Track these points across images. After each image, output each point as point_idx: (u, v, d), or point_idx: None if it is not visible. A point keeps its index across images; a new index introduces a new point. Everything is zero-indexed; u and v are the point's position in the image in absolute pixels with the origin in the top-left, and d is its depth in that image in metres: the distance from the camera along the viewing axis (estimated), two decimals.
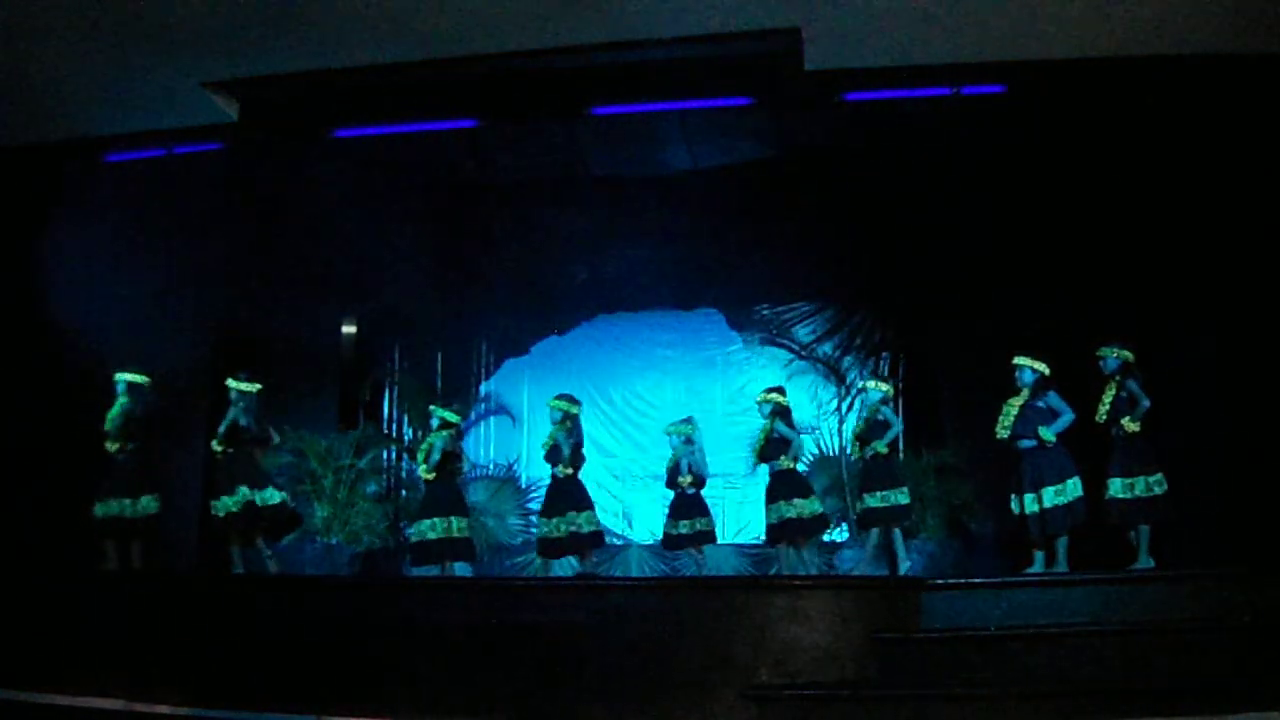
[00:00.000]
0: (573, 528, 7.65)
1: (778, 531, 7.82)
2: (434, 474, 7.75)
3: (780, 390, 8.17)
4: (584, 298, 11.22)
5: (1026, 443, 6.99)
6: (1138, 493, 6.77)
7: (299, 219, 9.72)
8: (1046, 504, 6.78)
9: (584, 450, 8.05)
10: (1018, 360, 7.17)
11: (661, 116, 8.88)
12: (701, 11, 6.94)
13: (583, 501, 7.81)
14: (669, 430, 8.46)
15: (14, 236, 9.06)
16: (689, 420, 8.41)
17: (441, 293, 10.87)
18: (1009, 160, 8.69)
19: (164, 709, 5.74)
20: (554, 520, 7.72)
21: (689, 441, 8.23)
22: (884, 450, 7.88)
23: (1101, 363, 7.20)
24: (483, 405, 11.42)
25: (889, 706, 5.24)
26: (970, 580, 6.36)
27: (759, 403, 8.12)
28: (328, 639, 5.96)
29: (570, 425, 7.91)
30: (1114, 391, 7.05)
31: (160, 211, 9.38)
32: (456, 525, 7.68)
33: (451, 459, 7.85)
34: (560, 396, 8.10)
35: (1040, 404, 7.05)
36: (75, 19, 6.96)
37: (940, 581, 6.38)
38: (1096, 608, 5.87)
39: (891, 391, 8.77)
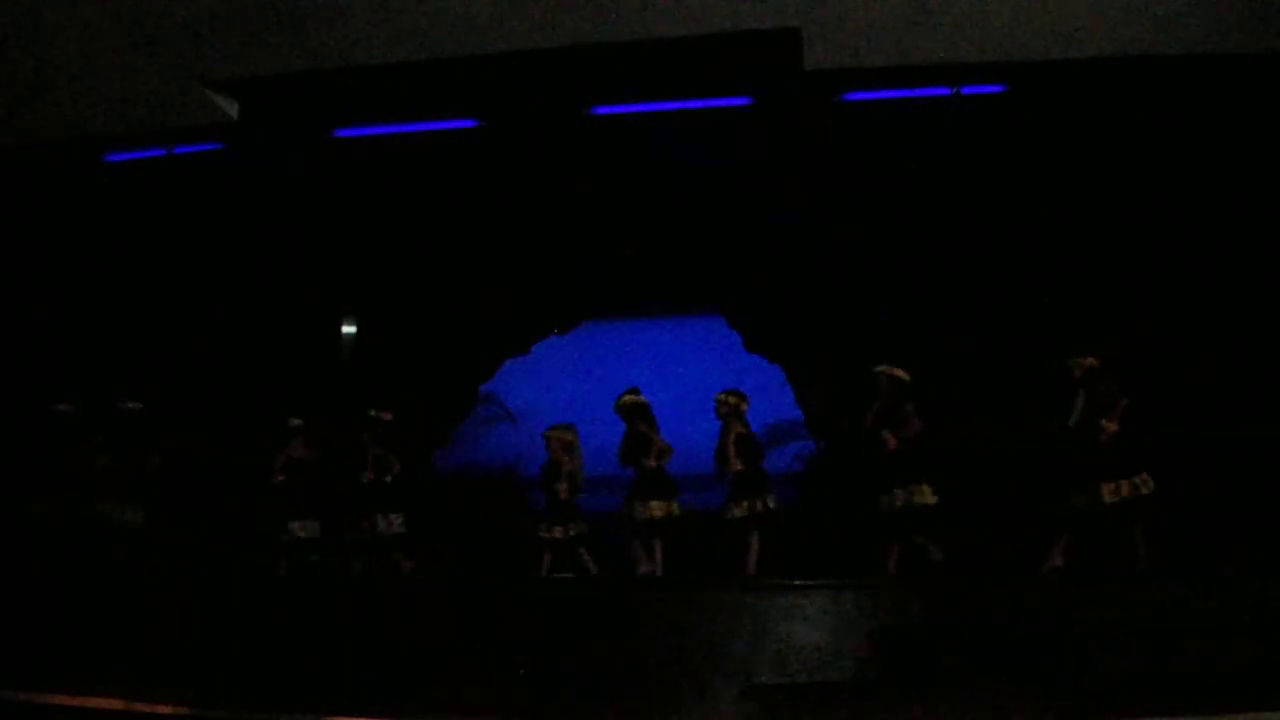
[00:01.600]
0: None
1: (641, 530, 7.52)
2: None
3: (635, 391, 7.98)
4: (584, 298, 11.22)
5: None
6: (1123, 495, 6.74)
7: (299, 219, 9.72)
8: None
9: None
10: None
11: (662, 116, 8.87)
12: (701, 11, 6.95)
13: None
14: (546, 434, 8.11)
15: (14, 236, 9.06)
16: (570, 426, 8.09)
17: (441, 292, 10.87)
18: (1009, 160, 8.69)
19: (164, 709, 5.74)
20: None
21: (569, 448, 7.95)
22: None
23: (1070, 371, 7.19)
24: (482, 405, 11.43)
25: (889, 706, 5.24)
26: (970, 580, 6.36)
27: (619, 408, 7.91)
28: (328, 639, 5.96)
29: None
30: (1086, 396, 7.03)
31: (160, 211, 9.39)
32: None
33: None
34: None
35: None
36: (75, 19, 6.97)
37: (940, 581, 6.37)
38: (1099, 608, 5.87)
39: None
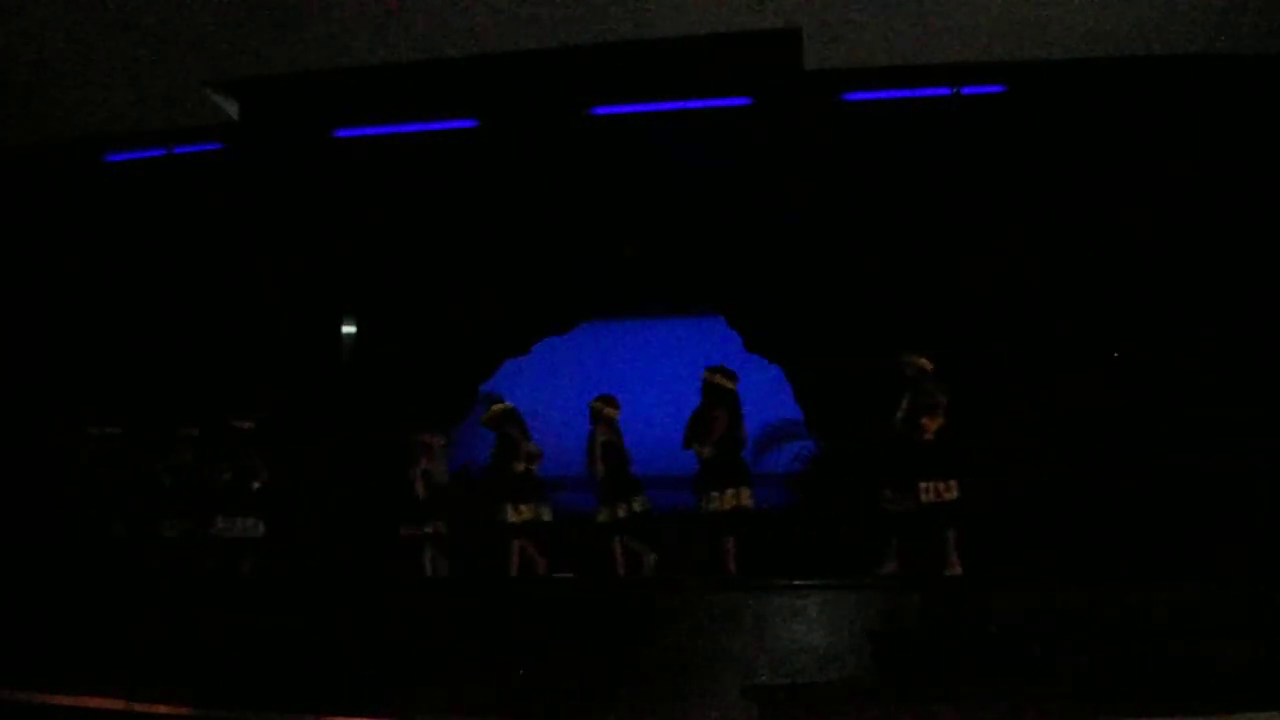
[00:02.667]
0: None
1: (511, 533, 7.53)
2: None
3: (501, 398, 8.00)
4: (584, 298, 11.22)
5: None
6: (940, 496, 6.61)
7: (299, 219, 9.73)
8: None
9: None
10: None
11: (662, 116, 8.88)
12: (701, 11, 6.95)
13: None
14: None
15: (13, 237, 9.07)
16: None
17: (441, 292, 10.87)
18: (1009, 160, 8.69)
19: (164, 709, 5.74)
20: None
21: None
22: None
23: (901, 370, 7.11)
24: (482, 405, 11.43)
25: (889, 706, 5.24)
26: (970, 580, 6.36)
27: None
28: (328, 639, 5.96)
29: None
30: (912, 396, 6.97)
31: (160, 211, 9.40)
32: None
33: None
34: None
35: None
36: (76, 20, 6.97)
37: (940, 581, 6.37)
38: (1099, 608, 5.87)
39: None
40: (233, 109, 8.24)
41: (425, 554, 7.78)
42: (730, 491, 7.01)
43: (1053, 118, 8.21)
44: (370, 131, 8.85)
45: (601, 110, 8.47)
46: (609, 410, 7.77)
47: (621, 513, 7.40)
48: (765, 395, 11.62)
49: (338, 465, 9.53)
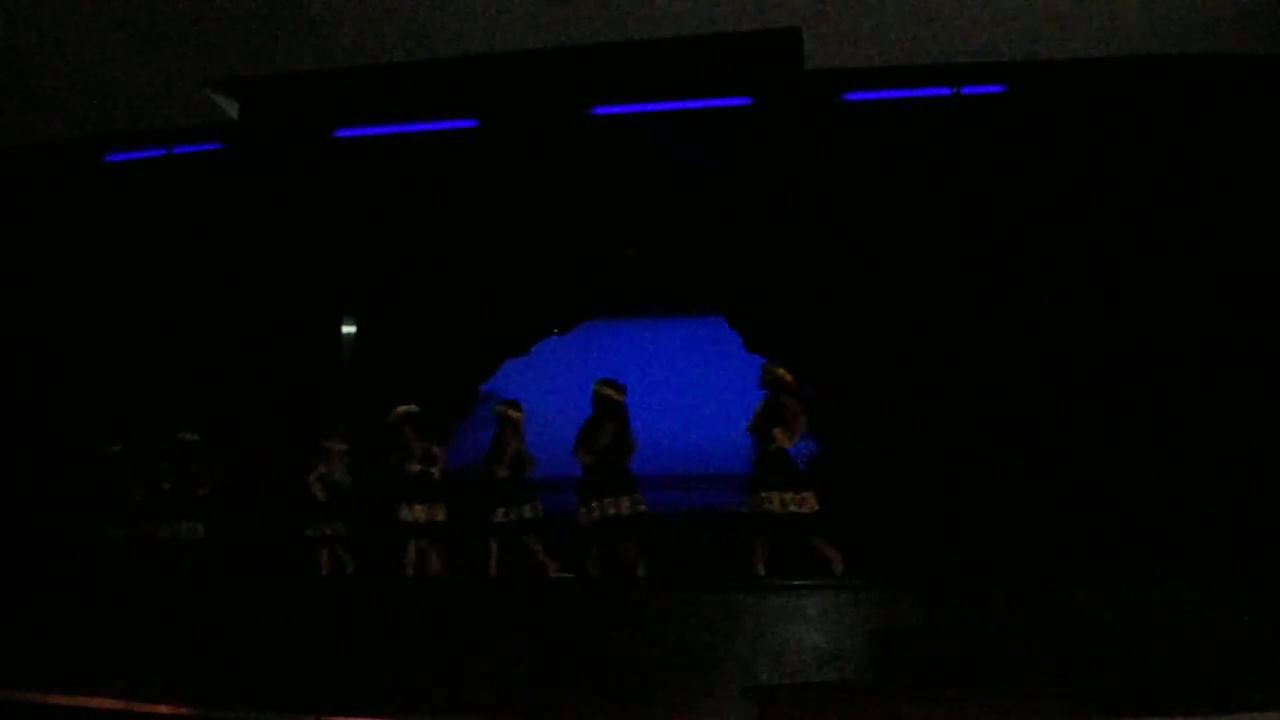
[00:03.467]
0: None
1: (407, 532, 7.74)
2: None
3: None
4: (584, 298, 11.22)
5: None
6: (789, 508, 6.72)
7: (299, 219, 9.73)
8: None
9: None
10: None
11: (661, 116, 8.87)
12: (701, 11, 6.95)
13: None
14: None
15: (13, 236, 9.07)
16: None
17: (441, 292, 10.87)
18: (1009, 160, 8.69)
19: (164, 709, 5.74)
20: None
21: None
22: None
23: (760, 379, 7.23)
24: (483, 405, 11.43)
25: (889, 706, 5.24)
26: (970, 580, 6.36)
27: None
28: (328, 639, 5.96)
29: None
30: (767, 405, 7.03)
31: (160, 211, 9.40)
32: None
33: None
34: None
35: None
36: (76, 19, 6.97)
37: (940, 581, 6.37)
38: (1099, 608, 5.87)
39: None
40: (233, 109, 8.24)
41: (322, 555, 8.08)
42: (609, 500, 7.14)
43: (1053, 118, 8.21)
44: (370, 131, 8.84)
45: (601, 110, 8.47)
46: (512, 413, 8.01)
47: (512, 516, 7.68)
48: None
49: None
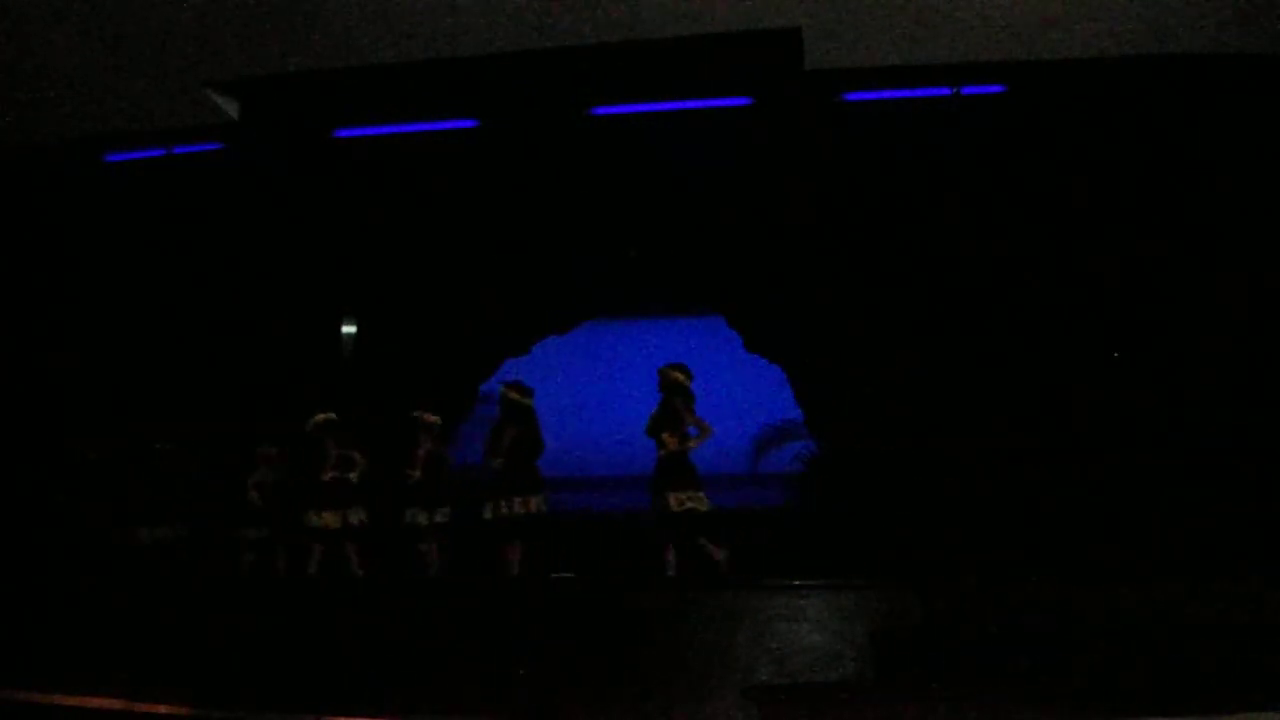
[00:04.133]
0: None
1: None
2: None
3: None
4: (584, 298, 11.22)
5: None
6: (684, 505, 6.99)
7: (299, 219, 9.73)
8: None
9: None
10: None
11: (661, 116, 8.88)
12: (701, 11, 6.95)
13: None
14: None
15: (13, 236, 9.07)
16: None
17: (441, 292, 10.87)
18: (1009, 160, 8.69)
19: (164, 709, 5.74)
20: None
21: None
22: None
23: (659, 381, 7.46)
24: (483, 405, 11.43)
25: (889, 706, 5.24)
26: (970, 580, 6.36)
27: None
28: (328, 639, 5.97)
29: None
30: (662, 408, 7.30)
31: (160, 211, 9.40)
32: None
33: None
34: None
35: None
36: (76, 19, 6.97)
37: (940, 581, 6.37)
38: (1099, 608, 5.87)
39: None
40: (233, 109, 8.23)
41: (251, 558, 8.31)
42: (519, 500, 7.45)
43: (1053, 118, 8.21)
44: (370, 131, 8.84)
45: (601, 110, 8.46)
46: (428, 418, 8.28)
47: (422, 520, 7.95)
48: (765, 395, 11.64)
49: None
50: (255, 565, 8.25)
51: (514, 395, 7.80)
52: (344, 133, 8.80)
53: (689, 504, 7.02)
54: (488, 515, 7.47)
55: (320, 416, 8.23)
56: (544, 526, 7.52)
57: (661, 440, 7.22)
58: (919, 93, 8.03)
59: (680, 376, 7.40)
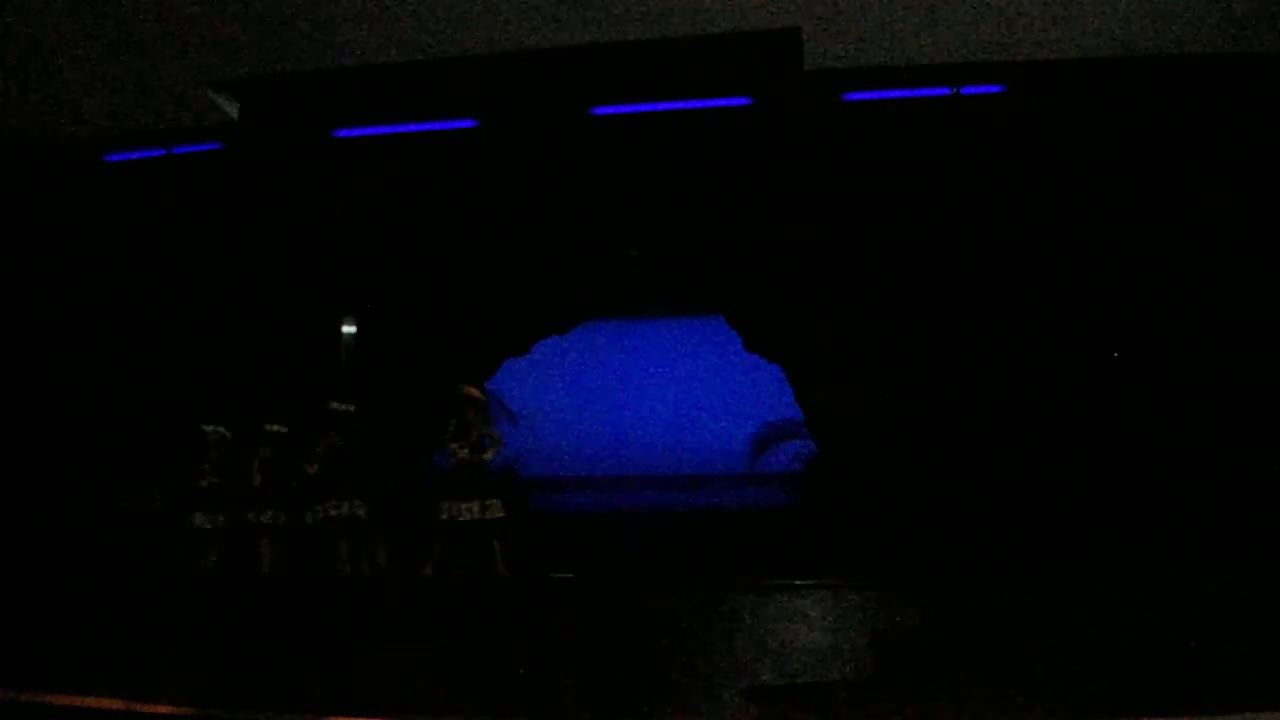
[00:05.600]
0: None
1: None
2: None
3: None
4: (584, 298, 11.22)
5: None
6: (474, 514, 7.30)
7: (299, 219, 9.72)
8: None
9: None
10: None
11: (661, 116, 8.87)
12: (701, 11, 6.95)
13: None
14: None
15: (14, 236, 9.07)
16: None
17: (441, 292, 10.87)
18: (1009, 160, 8.69)
19: (164, 709, 5.74)
20: None
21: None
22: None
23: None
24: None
25: (889, 706, 5.25)
26: (969, 581, 6.36)
27: None
28: (327, 639, 5.96)
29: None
30: (458, 420, 7.55)
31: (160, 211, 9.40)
32: None
33: None
34: None
35: None
36: (76, 19, 6.97)
37: (939, 582, 6.37)
38: (1098, 608, 5.87)
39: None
40: (233, 109, 8.23)
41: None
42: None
43: (1053, 118, 8.20)
44: (370, 131, 8.84)
45: (601, 110, 8.46)
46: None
47: (332, 512, 7.83)
48: (765, 395, 11.66)
49: None
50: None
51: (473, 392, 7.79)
52: (344, 133, 8.79)
53: (486, 512, 7.28)
54: (446, 516, 7.45)
55: (213, 429, 8.17)
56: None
57: (453, 450, 7.49)
58: (919, 93, 8.02)
59: (474, 391, 7.69)
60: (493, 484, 7.65)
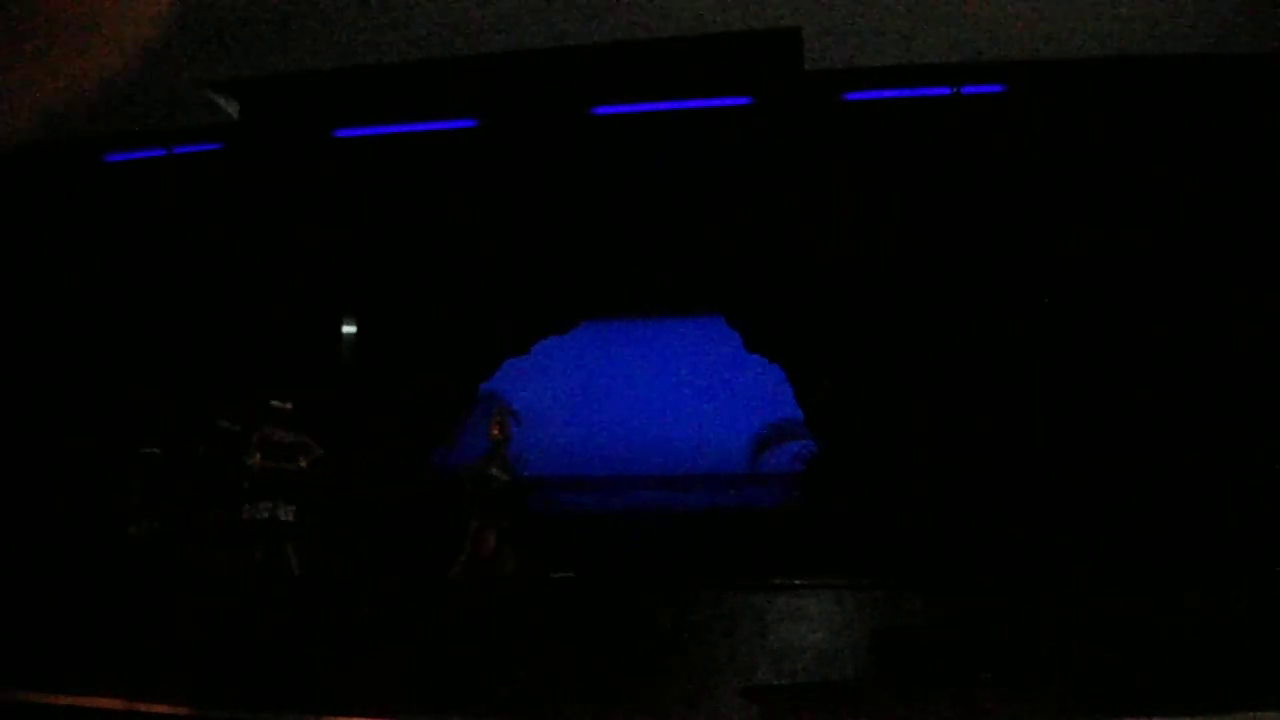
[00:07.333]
0: None
1: None
2: None
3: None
4: (584, 298, 11.22)
5: None
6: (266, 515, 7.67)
7: (299, 219, 9.73)
8: None
9: None
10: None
11: (661, 116, 8.87)
12: (701, 11, 6.95)
13: None
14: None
15: (14, 236, 9.07)
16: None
17: (441, 292, 10.88)
18: (1009, 160, 8.69)
19: (164, 709, 5.74)
20: None
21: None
22: None
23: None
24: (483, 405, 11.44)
25: (889, 706, 5.25)
26: (969, 581, 6.36)
27: None
28: (327, 639, 5.96)
29: None
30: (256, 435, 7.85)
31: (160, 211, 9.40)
32: None
33: None
34: None
35: None
36: (75, 19, 6.97)
37: (940, 582, 6.37)
38: (1097, 608, 5.87)
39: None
40: (233, 109, 8.23)
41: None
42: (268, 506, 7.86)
43: (1053, 118, 8.20)
44: (370, 131, 8.84)
45: (601, 110, 8.46)
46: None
47: (264, 514, 7.96)
48: (765, 395, 11.66)
49: None
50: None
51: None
52: (344, 133, 8.79)
53: (278, 514, 7.69)
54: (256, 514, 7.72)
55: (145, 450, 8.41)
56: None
57: (256, 458, 7.79)
58: (919, 93, 8.02)
59: (278, 405, 8.02)
60: (294, 490, 8.00)
